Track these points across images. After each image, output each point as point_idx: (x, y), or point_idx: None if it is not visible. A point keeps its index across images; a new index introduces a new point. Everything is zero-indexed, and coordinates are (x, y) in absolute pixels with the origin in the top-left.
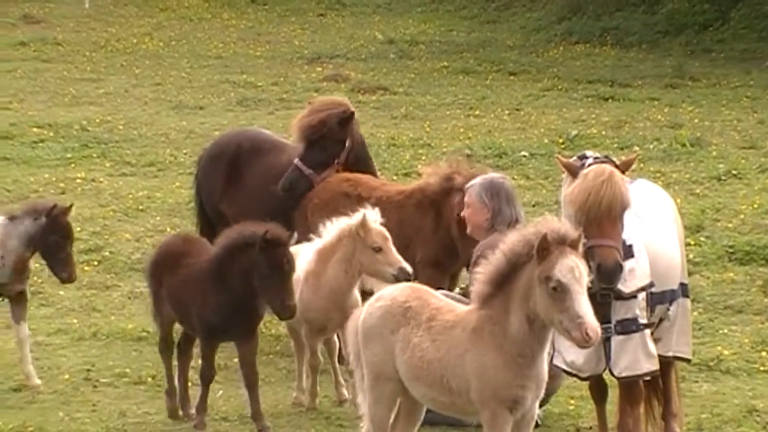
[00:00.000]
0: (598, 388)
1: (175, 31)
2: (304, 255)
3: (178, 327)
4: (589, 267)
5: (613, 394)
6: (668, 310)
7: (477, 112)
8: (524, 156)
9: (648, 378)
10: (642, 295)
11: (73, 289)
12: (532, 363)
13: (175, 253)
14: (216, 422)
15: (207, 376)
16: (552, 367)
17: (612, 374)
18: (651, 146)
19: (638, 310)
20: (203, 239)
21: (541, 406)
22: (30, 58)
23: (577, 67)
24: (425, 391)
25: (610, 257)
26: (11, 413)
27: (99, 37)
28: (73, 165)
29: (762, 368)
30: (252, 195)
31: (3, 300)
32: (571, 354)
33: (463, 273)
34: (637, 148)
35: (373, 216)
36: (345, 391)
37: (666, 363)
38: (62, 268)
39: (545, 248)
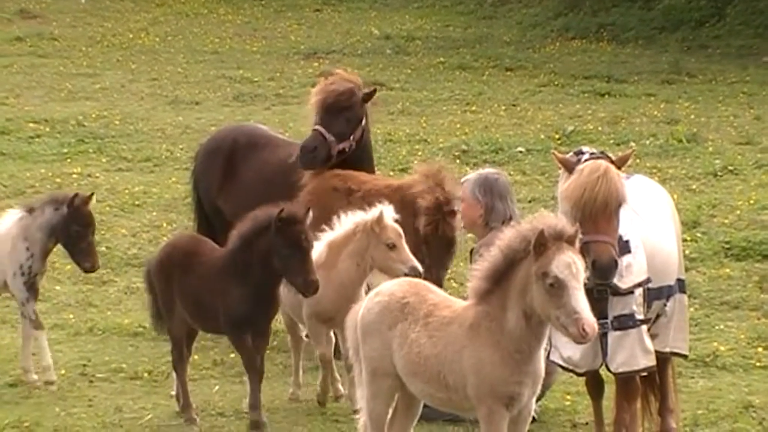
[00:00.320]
0: (594, 384)
1: (171, 26)
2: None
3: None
4: (585, 263)
5: (610, 390)
6: (665, 305)
7: (473, 108)
8: (521, 152)
9: (645, 374)
10: (639, 291)
11: (69, 284)
12: (529, 359)
13: (185, 252)
14: (212, 417)
15: (256, 370)
16: (547, 362)
17: (609, 370)
18: (647, 142)
19: (635, 305)
20: (206, 238)
21: (536, 401)
22: (26, 53)
23: (574, 63)
24: (422, 387)
25: (606, 253)
26: (7, 408)
27: (95, 32)
28: (69, 160)
29: (758, 364)
30: (248, 190)
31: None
32: (568, 350)
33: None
34: (633, 144)
35: (389, 212)
36: (341, 387)
37: (663, 359)
38: (85, 258)
39: (542, 244)
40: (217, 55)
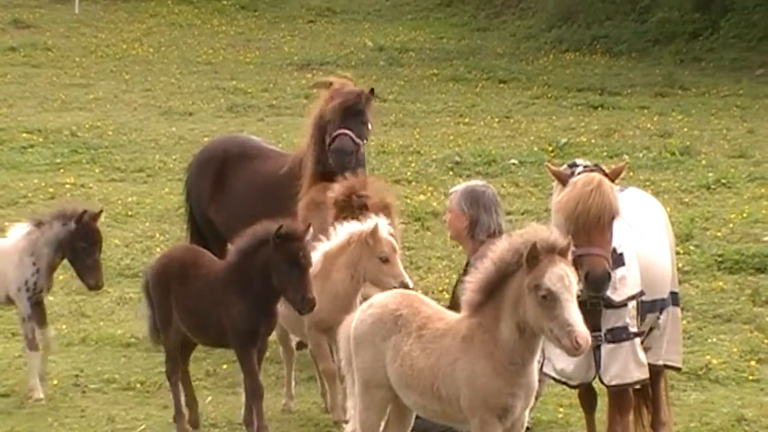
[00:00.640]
0: (587, 396)
1: (164, 37)
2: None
3: None
4: (578, 275)
5: (603, 403)
6: (658, 318)
7: (467, 120)
8: (514, 164)
9: (638, 386)
10: (632, 304)
11: (62, 294)
12: (522, 371)
13: (183, 263)
14: (205, 428)
15: (256, 391)
16: (540, 374)
17: (602, 382)
18: (640, 155)
19: (628, 318)
20: (204, 250)
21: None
22: (20, 63)
23: (567, 75)
24: (416, 399)
25: (599, 266)
26: (0, 418)
27: (89, 42)
28: (62, 170)
29: (750, 377)
30: (238, 201)
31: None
32: (561, 362)
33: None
34: (626, 157)
35: (384, 225)
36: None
37: (655, 371)
38: (90, 275)
39: (535, 257)
40: (211, 65)
